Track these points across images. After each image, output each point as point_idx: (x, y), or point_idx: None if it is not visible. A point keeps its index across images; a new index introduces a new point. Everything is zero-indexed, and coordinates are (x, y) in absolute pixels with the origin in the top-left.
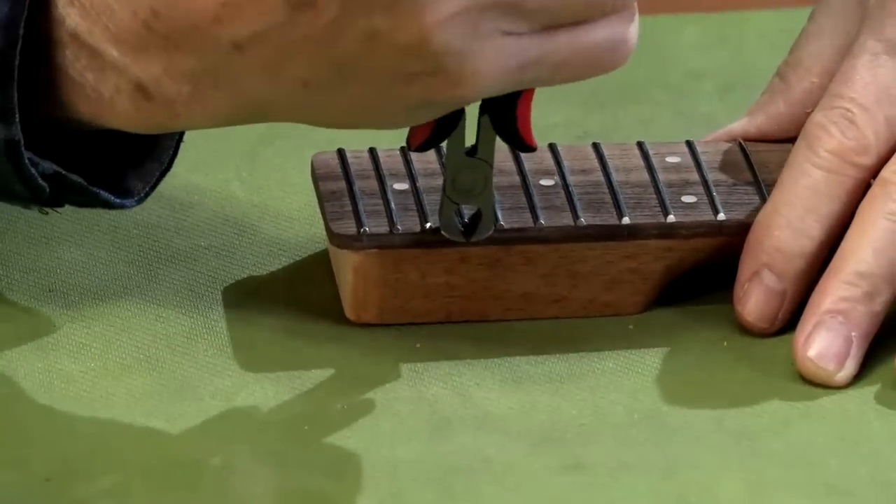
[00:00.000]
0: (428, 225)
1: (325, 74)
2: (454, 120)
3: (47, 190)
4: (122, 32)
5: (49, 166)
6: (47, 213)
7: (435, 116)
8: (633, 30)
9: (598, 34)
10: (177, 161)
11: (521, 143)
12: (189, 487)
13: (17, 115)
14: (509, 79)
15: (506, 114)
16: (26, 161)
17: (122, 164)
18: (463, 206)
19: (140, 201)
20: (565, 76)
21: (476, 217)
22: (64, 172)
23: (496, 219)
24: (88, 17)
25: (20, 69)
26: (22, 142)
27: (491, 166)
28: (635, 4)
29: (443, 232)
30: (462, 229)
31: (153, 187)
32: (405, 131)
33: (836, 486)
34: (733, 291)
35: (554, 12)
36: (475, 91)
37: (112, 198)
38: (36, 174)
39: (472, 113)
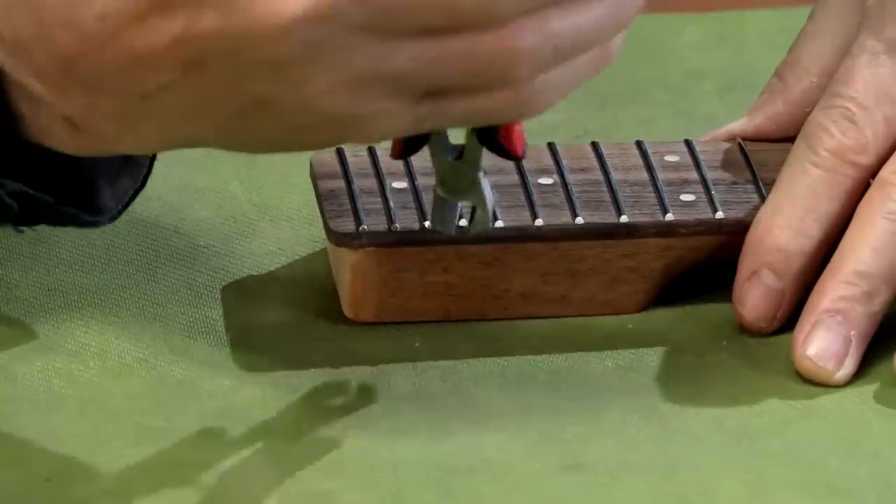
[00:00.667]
0: (427, 223)
1: (234, 122)
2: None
3: (16, 208)
4: (41, 72)
5: (16, 186)
6: (23, 232)
7: None
8: (544, 85)
9: (496, 98)
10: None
11: (504, 153)
12: (189, 487)
13: None
14: (408, 129)
15: (488, 126)
16: None
17: (95, 179)
18: (461, 205)
19: (112, 219)
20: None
21: (473, 212)
22: (31, 192)
23: (494, 216)
24: (12, 54)
25: None
26: None
27: (476, 170)
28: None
29: (432, 224)
30: (458, 225)
31: (126, 206)
32: None
33: (836, 486)
34: (732, 290)
35: (445, 84)
36: (375, 139)
37: (83, 215)
38: (3, 194)
39: None
